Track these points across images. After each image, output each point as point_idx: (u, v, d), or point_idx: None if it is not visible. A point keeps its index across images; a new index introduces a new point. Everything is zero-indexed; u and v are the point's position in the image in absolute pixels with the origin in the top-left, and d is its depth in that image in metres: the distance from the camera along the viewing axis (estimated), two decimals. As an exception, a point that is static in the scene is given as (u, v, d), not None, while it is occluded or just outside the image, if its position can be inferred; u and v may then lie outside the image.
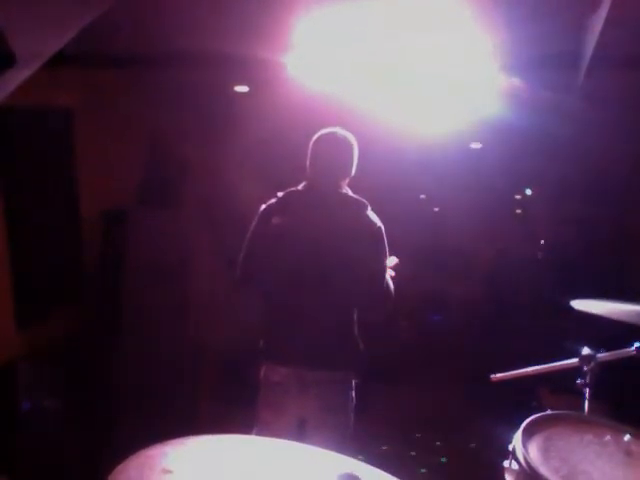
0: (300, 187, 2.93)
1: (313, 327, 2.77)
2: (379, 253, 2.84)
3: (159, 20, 3.59)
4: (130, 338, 4.36)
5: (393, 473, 1.59)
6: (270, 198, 2.94)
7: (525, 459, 1.90)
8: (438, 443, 4.87)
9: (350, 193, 2.92)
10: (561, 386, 2.87)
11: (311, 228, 2.80)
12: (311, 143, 2.96)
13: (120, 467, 1.30)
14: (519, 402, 3.55)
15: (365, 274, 2.80)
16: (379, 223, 2.85)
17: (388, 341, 5.37)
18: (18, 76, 2.48)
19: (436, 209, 7.31)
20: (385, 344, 5.04)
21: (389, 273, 2.98)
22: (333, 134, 2.94)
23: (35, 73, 2.61)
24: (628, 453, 1.99)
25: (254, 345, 2.94)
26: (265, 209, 2.93)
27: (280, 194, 2.93)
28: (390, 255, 2.95)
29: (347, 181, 2.96)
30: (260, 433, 2.76)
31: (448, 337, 6.18)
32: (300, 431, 2.82)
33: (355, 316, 2.89)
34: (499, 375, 2.69)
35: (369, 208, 2.87)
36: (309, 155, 2.95)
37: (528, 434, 2.04)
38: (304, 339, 2.77)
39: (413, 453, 4.68)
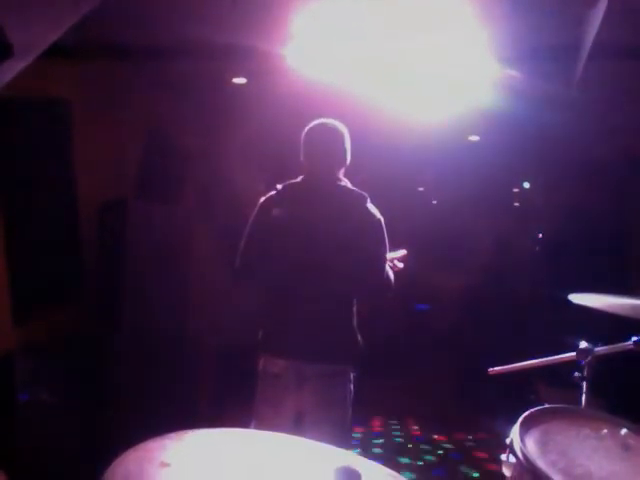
0: (299, 179, 2.93)
1: (312, 320, 2.77)
2: (379, 245, 2.84)
3: (158, 12, 3.57)
4: (129, 332, 4.35)
5: (391, 466, 1.59)
6: (269, 191, 2.94)
7: (522, 452, 1.90)
8: (435, 436, 4.89)
9: (350, 185, 2.92)
10: (558, 380, 2.86)
11: (310, 220, 2.81)
12: (302, 136, 2.97)
13: (118, 460, 1.29)
14: (517, 395, 3.57)
15: (365, 266, 2.80)
16: (379, 215, 2.86)
17: (386, 334, 5.38)
18: (15, 67, 2.47)
19: (434, 202, 7.32)
20: (383, 337, 5.05)
21: (397, 265, 2.99)
22: (323, 124, 2.95)
23: (33, 64, 2.60)
24: (625, 447, 2.00)
25: (254, 339, 2.94)
26: (264, 201, 2.93)
27: (279, 186, 2.93)
28: (396, 248, 2.97)
29: (343, 170, 2.96)
30: (258, 427, 2.76)
31: (446, 330, 6.20)
32: (298, 425, 2.82)
33: (354, 309, 2.89)
34: (497, 368, 2.70)
35: (369, 200, 2.87)
36: (302, 148, 2.96)
37: (525, 428, 2.04)
38: (303, 331, 2.77)
39: (410, 446, 4.69)
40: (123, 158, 4.97)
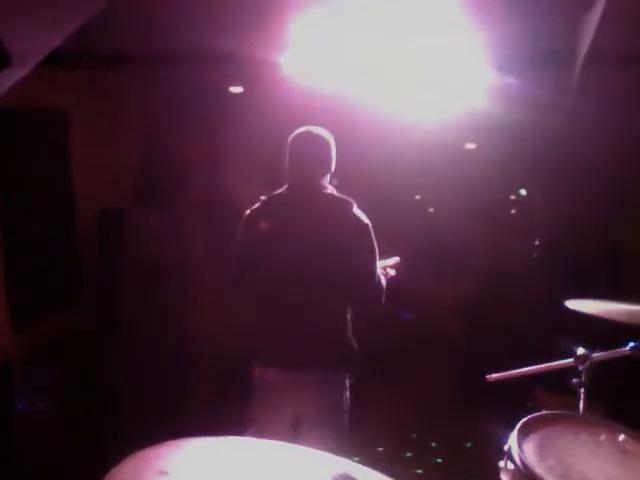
0: (283, 189, 2.92)
1: (304, 329, 2.78)
2: (368, 250, 2.83)
3: (155, 21, 3.58)
4: (128, 338, 4.35)
5: (389, 474, 1.59)
6: (254, 203, 2.95)
7: (521, 459, 1.90)
8: (434, 444, 4.87)
9: (335, 193, 2.91)
10: (556, 386, 2.87)
11: (298, 231, 2.80)
12: (288, 143, 2.95)
13: (115, 469, 1.29)
14: (514, 402, 3.56)
15: (355, 272, 2.79)
16: (366, 220, 2.83)
17: (382, 341, 5.37)
18: (13, 75, 2.47)
19: (431, 210, 7.32)
20: (381, 344, 5.04)
21: (390, 272, 2.99)
22: (308, 131, 2.94)
23: (30, 73, 2.61)
24: (623, 452, 2.00)
25: (251, 345, 2.94)
26: (250, 214, 2.93)
27: (263, 198, 2.93)
28: (391, 255, 2.97)
29: (328, 178, 2.94)
30: (256, 434, 2.75)
31: (443, 337, 6.19)
32: (295, 432, 2.82)
33: (348, 316, 2.89)
34: (495, 375, 2.69)
35: (355, 206, 2.85)
36: (287, 155, 2.94)
37: (523, 434, 2.04)
38: (295, 341, 2.77)
39: (409, 454, 4.68)
40: (121, 166, 4.98)
